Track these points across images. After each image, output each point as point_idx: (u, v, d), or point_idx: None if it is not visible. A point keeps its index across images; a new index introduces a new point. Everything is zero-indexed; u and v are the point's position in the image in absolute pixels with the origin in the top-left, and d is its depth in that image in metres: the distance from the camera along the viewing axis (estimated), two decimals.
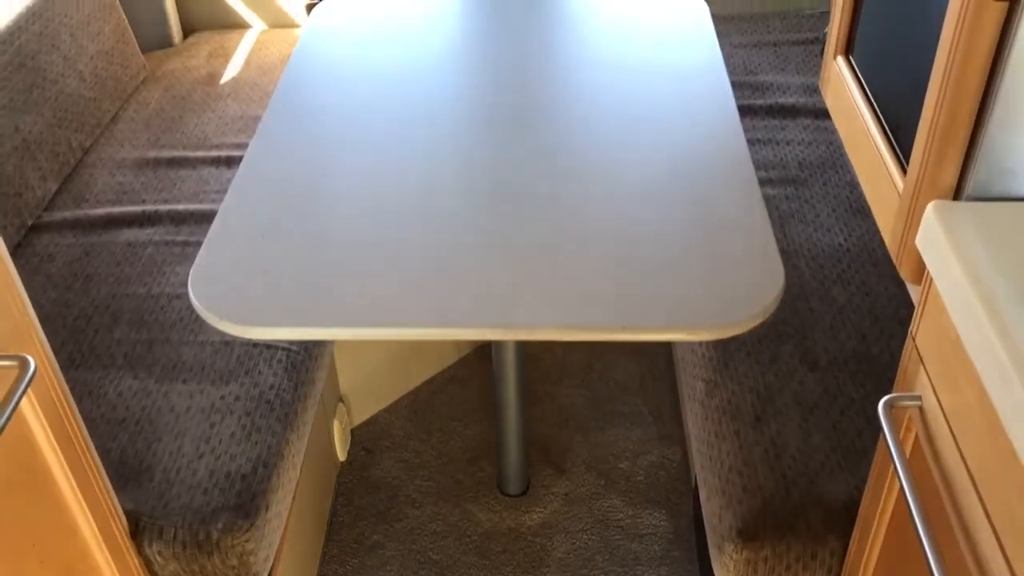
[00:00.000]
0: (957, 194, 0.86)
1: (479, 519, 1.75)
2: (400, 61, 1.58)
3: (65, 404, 1.03)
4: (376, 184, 1.24)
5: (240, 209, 1.21)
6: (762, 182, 1.70)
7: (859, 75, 1.12)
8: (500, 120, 1.38)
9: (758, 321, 1.01)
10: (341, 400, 1.86)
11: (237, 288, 1.08)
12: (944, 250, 0.82)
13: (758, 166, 1.74)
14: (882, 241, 1.56)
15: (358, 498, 1.80)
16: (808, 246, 1.56)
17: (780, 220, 1.62)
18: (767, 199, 1.65)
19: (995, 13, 0.76)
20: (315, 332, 1.02)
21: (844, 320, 1.43)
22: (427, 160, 1.29)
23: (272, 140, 1.37)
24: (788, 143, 1.82)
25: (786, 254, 1.54)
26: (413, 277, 1.07)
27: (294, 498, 1.40)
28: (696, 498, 1.70)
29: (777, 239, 1.56)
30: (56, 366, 1.03)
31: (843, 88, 1.14)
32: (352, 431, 1.93)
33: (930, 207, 0.85)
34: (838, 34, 1.17)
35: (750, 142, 1.81)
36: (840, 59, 1.16)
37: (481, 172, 1.26)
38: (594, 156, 1.28)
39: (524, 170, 1.25)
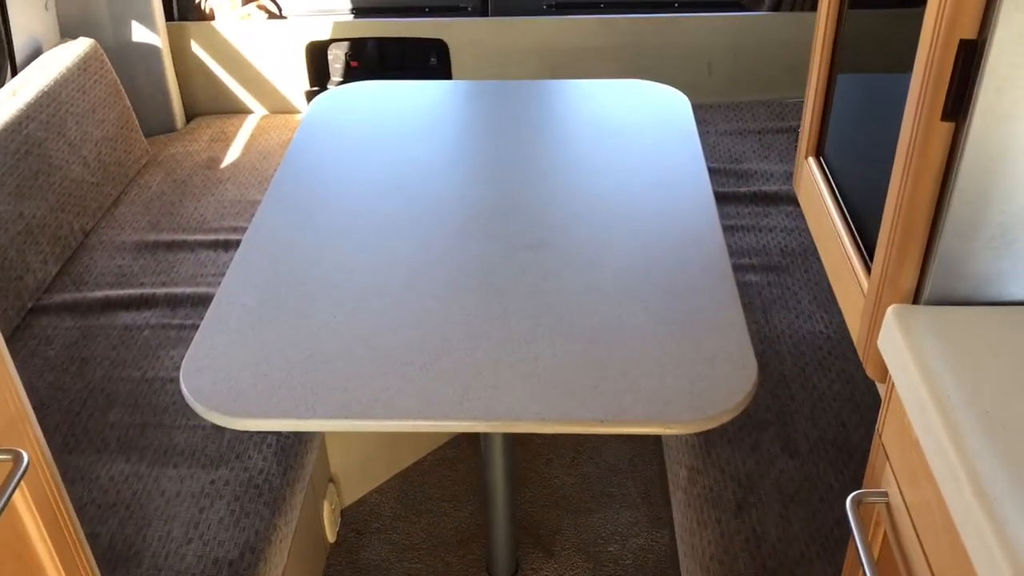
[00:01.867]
0: (917, 297, 0.90)
1: None
2: (392, 156, 1.63)
3: (57, 496, 1.05)
4: (365, 277, 1.29)
5: (232, 300, 1.25)
6: (744, 269, 1.75)
7: (828, 175, 1.17)
8: (485, 216, 1.43)
9: (731, 416, 1.04)
10: (331, 480, 1.87)
11: (227, 378, 1.11)
12: (903, 353, 0.85)
13: (741, 253, 1.79)
14: None
15: None
16: (790, 333, 1.60)
17: (762, 307, 1.66)
18: (749, 286, 1.70)
19: (943, 132, 0.81)
20: (302, 424, 1.05)
21: (824, 407, 1.46)
22: (414, 254, 1.34)
23: (266, 232, 1.42)
24: (771, 230, 1.87)
25: (768, 340, 1.58)
26: (398, 370, 1.11)
27: None
28: None
29: (759, 326, 1.60)
30: (49, 458, 1.06)
31: (813, 188, 1.19)
32: (342, 511, 1.94)
33: (890, 311, 0.89)
34: (808, 135, 1.22)
35: (733, 229, 1.86)
36: (811, 160, 1.21)
37: (466, 267, 1.30)
38: (574, 252, 1.32)
39: (507, 266, 1.30)
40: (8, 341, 1.66)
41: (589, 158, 1.58)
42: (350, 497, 1.96)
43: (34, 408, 1.52)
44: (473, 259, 1.32)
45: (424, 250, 1.34)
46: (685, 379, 1.09)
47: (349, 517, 1.93)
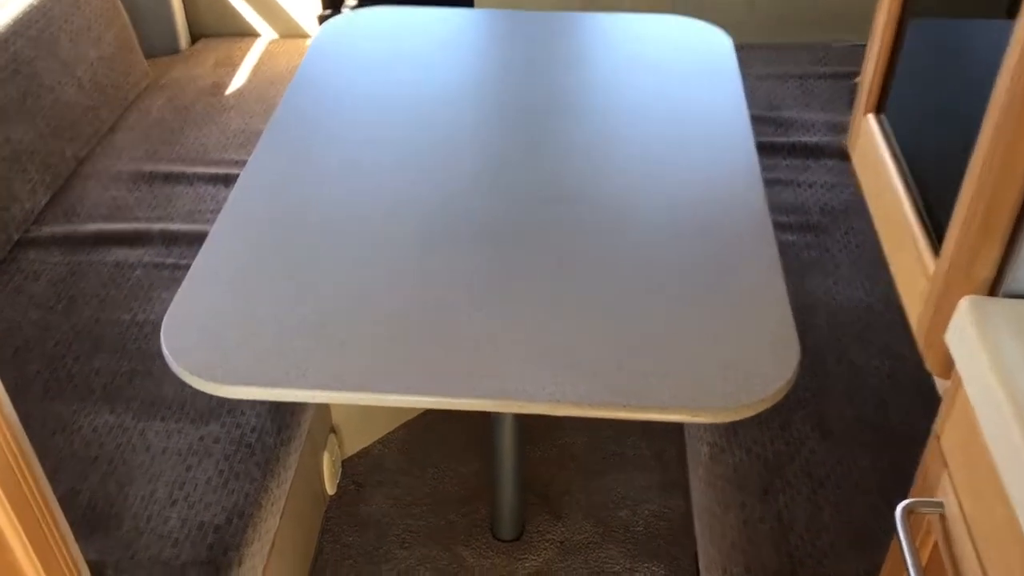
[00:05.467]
0: (994, 288, 0.78)
1: (470, 564, 1.68)
2: (407, 87, 1.50)
3: (16, 452, 0.96)
4: (369, 227, 1.17)
5: (224, 247, 1.14)
6: (781, 228, 1.62)
7: (891, 137, 1.04)
8: (503, 164, 1.30)
9: (767, 405, 0.94)
10: (333, 431, 1.79)
11: (212, 337, 1.01)
12: (976, 351, 0.74)
13: (776, 210, 1.66)
14: None
15: (345, 536, 1.73)
16: (827, 300, 1.48)
17: (799, 269, 1.54)
18: (785, 246, 1.57)
19: None
20: (292, 394, 0.95)
21: (862, 384, 1.35)
22: (423, 203, 1.22)
23: (264, 170, 1.30)
24: (810, 185, 1.74)
25: (802, 308, 1.46)
26: (401, 336, 1.00)
27: (273, 544, 1.33)
28: (697, 558, 1.63)
29: (794, 291, 1.48)
30: (8, 410, 0.96)
31: (871, 149, 1.06)
32: (343, 462, 1.86)
33: (963, 302, 0.77)
34: (870, 89, 1.09)
35: (769, 183, 1.73)
36: (871, 118, 1.08)
37: (480, 220, 1.18)
38: (601, 209, 1.20)
39: (526, 221, 1.18)
40: None
41: (620, 101, 1.45)
42: (352, 448, 1.88)
43: (17, 349, 1.44)
44: (488, 211, 1.20)
45: (435, 199, 1.22)
46: (718, 360, 0.98)
47: (350, 468, 1.86)
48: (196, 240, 1.62)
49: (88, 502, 1.21)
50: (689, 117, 1.40)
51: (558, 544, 1.71)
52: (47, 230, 1.65)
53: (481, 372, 0.96)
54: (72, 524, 1.18)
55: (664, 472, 1.84)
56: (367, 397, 0.94)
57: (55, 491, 1.23)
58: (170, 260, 1.58)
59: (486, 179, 1.27)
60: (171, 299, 1.50)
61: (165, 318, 1.03)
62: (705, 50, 1.59)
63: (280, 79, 2.09)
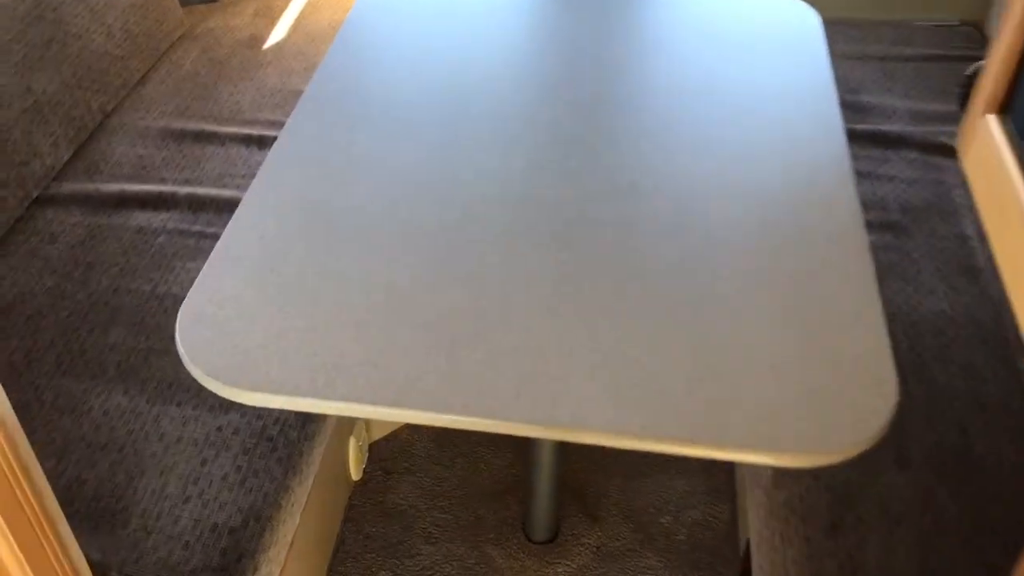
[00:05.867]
0: None
1: (499, 565, 1.58)
2: (458, 54, 1.38)
3: (11, 457, 0.86)
4: (412, 213, 1.05)
5: (249, 229, 1.03)
6: None
7: (1016, 141, 0.90)
8: (564, 150, 1.17)
9: (859, 451, 0.81)
10: None
11: (233, 334, 0.90)
12: None
13: None
14: (995, 312, 1.34)
15: (369, 526, 1.64)
16: (906, 311, 1.35)
17: (875, 274, 1.40)
18: None
19: None
20: (320, 405, 0.84)
21: (944, 407, 1.22)
22: (472, 187, 1.10)
23: (301, 139, 1.19)
24: (890, 179, 1.59)
25: None
26: (442, 344, 0.89)
27: (292, 543, 1.24)
28: (744, 571, 1.52)
29: None
30: (6, 408, 0.86)
31: (992, 153, 0.92)
32: (370, 446, 1.77)
33: None
34: (994, 85, 0.95)
35: None
36: (992, 118, 0.94)
37: (533, 213, 1.06)
38: (670, 205, 1.07)
39: (584, 216, 1.05)
40: (8, 234, 1.46)
41: (692, 81, 1.31)
42: (380, 431, 1.78)
43: (29, 317, 1.34)
44: (542, 203, 1.07)
45: (484, 185, 1.10)
46: (803, 392, 0.85)
47: (377, 453, 1.76)
48: (224, 207, 1.51)
49: (94, 493, 1.12)
50: (771, 102, 1.26)
51: (594, 549, 1.61)
52: (68, 187, 1.55)
53: (530, 392, 0.84)
54: (75, 517, 1.09)
55: (709, 477, 1.72)
56: (402, 414, 0.83)
57: (59, 478, 1.14)
58: (196, 228, 1.48)
59: (542, 165, 1.14)
60: (196, 270, 1.41)
61: (182, 307, 0.92)
62: (791, 26, 1.44)
63: (322, 35, 1.96)
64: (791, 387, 0.86)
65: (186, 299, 0.94)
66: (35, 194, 1.52)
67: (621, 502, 1.68)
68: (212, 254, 1.00)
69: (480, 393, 0.84)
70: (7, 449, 0.86)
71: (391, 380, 0.85)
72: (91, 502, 1.11)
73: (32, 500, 0.91)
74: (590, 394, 0.84)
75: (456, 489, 1.70)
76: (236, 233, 1.03)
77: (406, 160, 1.14)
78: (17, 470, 0.88)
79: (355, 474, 1.68)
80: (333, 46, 1.39)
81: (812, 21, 1.44)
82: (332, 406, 0.84)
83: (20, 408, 1.21)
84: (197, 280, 0.96)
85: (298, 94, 1.77)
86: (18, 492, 0.88)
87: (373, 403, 0.83)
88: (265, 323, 0.91)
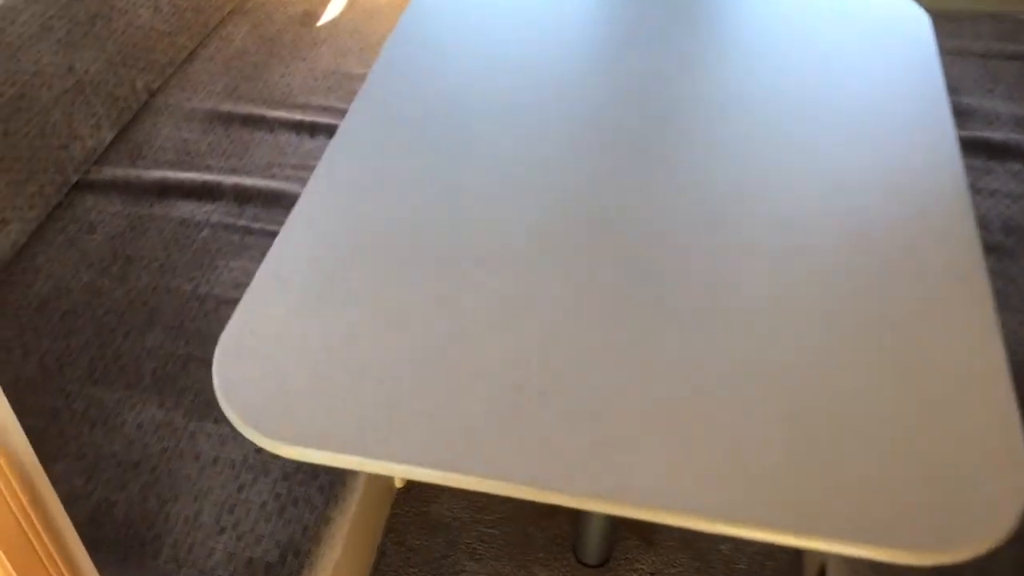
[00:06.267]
0: None
1: None
2: (529, 48, 1.26)
3: (22, 492, 0.78)
4: (476, 238, 0.95)
5: (297, 249, 0.94)
6: None
7: None
8: (643, 161, 1.06)
9: (986, 548, 0.70)
10: None
11: (275, 374, 0.81)
12: None
13: None
14: None
15: (412, 538, 1.56)
16: (1013, 347, 1.22)
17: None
18: None
19: None
20: (370, 465, 0.75)
21: None
22: (541, 211, 0.99)
23: (356, 142, 1.09)
24: (991, 194, 1.45)
25: None
26: (505, 398, 0.79)
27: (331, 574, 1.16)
28: None
29: None
30: (18, 439, 0.77)
31: None
32: None
33: None
34: None
35: None
36: None
37: (610, 237, 0.95)
38: (764, 235, 0.95)
39: (667, 247, 0.94)
40: (46, 221, 1.39)
41: (787, 87, 1.19)
42: None
43: (64, 314, 1.26)
44: (618, 229, 0.96)
45: (553, 205, 0.99)
46: (917, 470, 0.74)
47: None
48: (271, 200, 1.42)
49: (124, 518, 1.04)
50: (877, 115, 1.13)
51: None
52: (108, 172, 1.47)
53: (601, 462, 0.74)
54: (103, 544, 1.02)
55: None
56: (460, 479, 0.74)
57: (88, 499, 1.07)
58: (241, 222, 1.39)
59: (617, 186, 1.03)
60: (239, 270, 1.33)
61: (221, 339, 0.83)
62: (894, 25, 1.31)
63: (379, 13, 1.86)
64: (902, 464, 0.75)
65: (227, 327, 0.85)
66: (74, 179, 1.45)
67: (678, 527, 1.58)
68: (258, 273, 0.91)
69: (546, 460, 0.74)
70: (17, 487, 0.78)
71: (448, 439, 0.75)
72: (120, 527, 1.04)
73: (46, 539, 0.83)
74: (673, 465, 0.74)
75: (504, 503, 1.61)
76: (284, 251, 0.93)
77: (468, 173, 1.04)
78: (29, 508, 0.80)
79: (398, 481, 1.60)
80: (393, 35, 1.29)
81: (922, 21, 1.30)
82: (382, 466, 0.75)
83: (50, 416, 1.14)
84: (240, 305, 0.87)
85: (352, 77, 1.67)
86: (32, 537, 0.81)
87: (427, 466, 0.74)
88: (311, 362, 0.81)
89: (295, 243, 0.94)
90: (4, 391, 1.17)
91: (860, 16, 1.32)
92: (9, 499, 0.77)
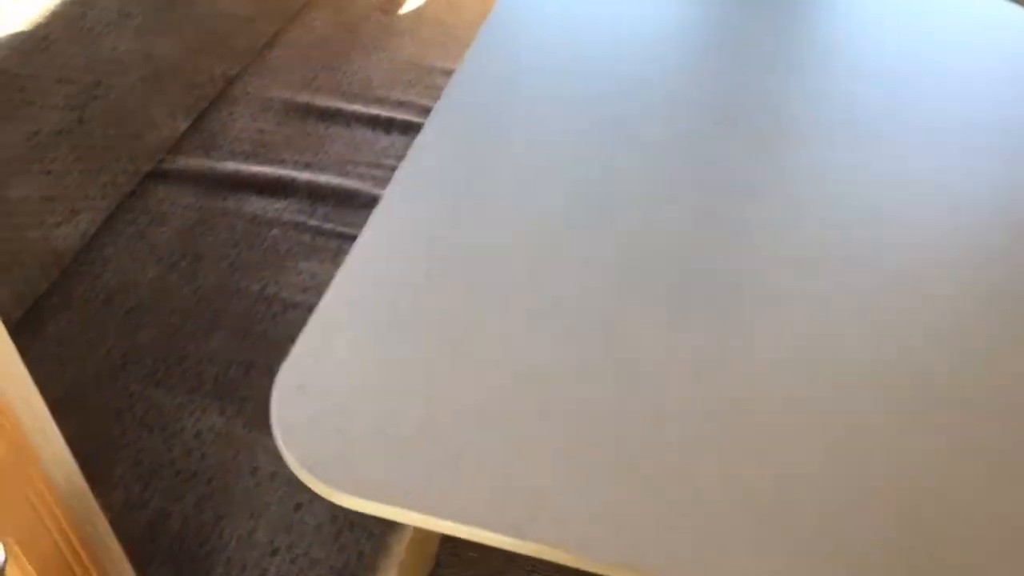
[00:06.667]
0: None
1: None
2: (623, 62, 1.19)
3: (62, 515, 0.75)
4: (555, 270, 0.89)
5: (369, 271, 0.89)
6: None
7: None
8: (742, 192, 0.98)
9: None
10: None
11: (337, 413, 0.76)
12: None
13: None
14: None
15: (468, 550, 1.52)
16: None
17: None
18: None
19: None
20: (431, 523, 0.70)
21: None
22: (628, 245, 0.92)
23: (435, 155, 1.03)
24: None
25: None
26: (581, 456, 0.73)
27: None
28: None
29: None
30: (72, 484, 0.75)
31: None
32: None
33: None
34: None
35: None
36: None
37: (701, 278, 0.88)
38: (886, 277, 0.88)
39: (769, 285, 0.87)
40: (116, 211, 1.37)
41: (902, 114, 1.10)
42: None
43: (130, 311, 1.24)
44: (711, 269, 0.89)
45: (641, 238, 0.93)
46: None
47: None
48: (343, 199, 1.38)
49: (178, 531, 1.02)
50: (991, 149, 1.04)
51: None
52: (182, 162, 1.45)
53: (689, 540, 0.68)
54: (157, 556, 1.00)
55: None
56: (525, 546, 0.69)
57: (144, 508, 1.04)
58: (312, 221, 1.35)
59: (712, 220, 0.96)
60: (308, 272, 1.29)
61: (280, 372, 0.79)
62: (1009, 46, 1.20)
63: (464, 3, 1.80)
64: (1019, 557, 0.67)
65: (288, 358, 0.81)
66: (147, 168, 1.43)
67: None
68: (324, 297, 0.87)
69: (615, 532, 0.68)
70: (60, 513, 0.75)
71: (516, 499, 0.70)
72: (174, 540, 1.01)
73: (86, 561, 0.80)
74: (765, 559, 0.68)
75: None
76: (353, 273, 0.89)
77: (552, 196, 0.98)
78: (68, 530, 0.77)
79: None
80: (480, 36, 1.23)
81: None
82: (446, 526, 0.70)
83: (111, 417, 1.12)
84: (304, 332, 0.83)
85: (432, 71, 1.62)
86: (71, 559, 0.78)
87: (493, 529, 0.69)
88: (375, 402, 0.77)
89: (363, 265, 0.89)
90: (68, 388, 1.16)
91: (976, 38, 1.22)
92: (48, 521, 0.75)
